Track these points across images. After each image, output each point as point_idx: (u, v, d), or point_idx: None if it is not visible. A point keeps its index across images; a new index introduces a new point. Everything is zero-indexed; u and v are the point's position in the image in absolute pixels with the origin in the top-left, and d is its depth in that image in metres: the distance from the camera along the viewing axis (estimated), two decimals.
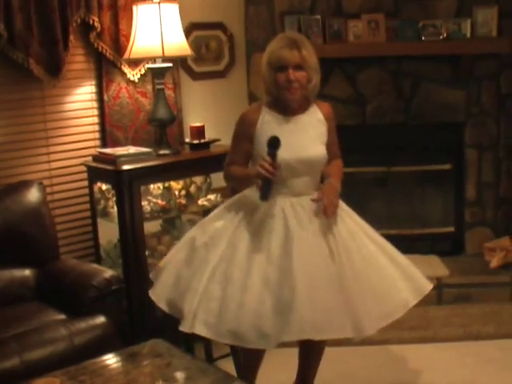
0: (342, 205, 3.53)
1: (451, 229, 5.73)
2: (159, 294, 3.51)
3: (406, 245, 5.62)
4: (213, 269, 3.29)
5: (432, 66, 5.41)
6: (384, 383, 4.15)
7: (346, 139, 5.48)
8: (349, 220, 3.51)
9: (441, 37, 5.19)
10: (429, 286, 3.52)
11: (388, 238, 5.59)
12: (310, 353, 3.66)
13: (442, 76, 5.43)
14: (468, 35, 5.25)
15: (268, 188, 3.21)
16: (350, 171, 5.53)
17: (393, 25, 5.25)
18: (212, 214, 3.61)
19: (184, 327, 3.24)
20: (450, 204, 5.72)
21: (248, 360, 3.59)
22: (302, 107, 3.47)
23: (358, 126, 5.52)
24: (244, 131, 3.44)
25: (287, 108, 3.42)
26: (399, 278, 3.43)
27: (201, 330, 3.21)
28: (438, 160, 5.62)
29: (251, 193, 3.40)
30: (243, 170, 3.45)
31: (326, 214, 3.32)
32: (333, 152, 3.63)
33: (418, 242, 5.73)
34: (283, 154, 3.25)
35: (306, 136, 3.44)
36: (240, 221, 3.40)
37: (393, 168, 5.60)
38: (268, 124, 3.38)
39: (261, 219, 3.35)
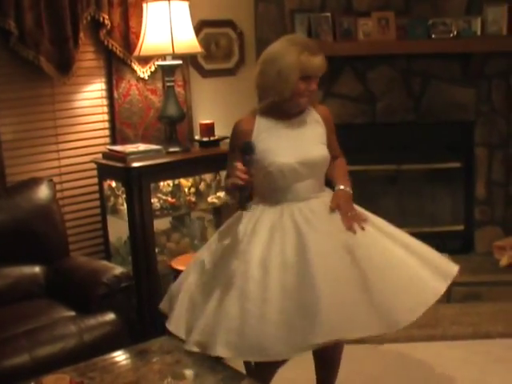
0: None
1: (461, 227, 5.72)
2: (177, 325, 3.29)
3: None
4: (225, 288, 3.16)
5: (442, 65, 5.39)
6: (393, 381, 4.15)
7: (356, 137, 5.53)
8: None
9: (451, 35, 5.18)
10: (455, 268, 3.43)
11: None
12: (325, 365, 3.59)
13: (452, 74, 5.41)
14: (478, 33, 5.24)
15: (243, 196, 3.08)
16: (360, 169, 5.57)
17: (403, 23, 5.24)
18: (217, 233, 3.50)
19: (207, 350, 3.08)
20: (459, 202, 5.71)
21: (262, 369, 3.41)
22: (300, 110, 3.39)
23: (368, 124, 5.52)
24: (238, 143, 3.28)
25: (284, 112, 3.31)
26: (422, 268, 3.33)
27: (222, 351, 3.05)
28: (447, 158, 5.60)
29: (256, 205, 3.32)
30: (226, 182, 3.31)
31: (347, 226, 3.27)
32: (334, 153, 3.53)
33: (427, 240, 5.68)
34: (286, 158, 3.22)
35: (305, 137, 3.34)
36: (247, 235, 3.26)
37: (402, 166, 5.59)
38: (266, 131, 3.28)
39: (270, 229, 3.24)
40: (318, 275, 3.07)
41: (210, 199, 4.93)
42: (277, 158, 3.23)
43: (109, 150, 4.63)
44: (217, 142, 4.87)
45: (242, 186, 3.03)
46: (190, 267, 3.47)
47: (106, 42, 4.69)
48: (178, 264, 4.25)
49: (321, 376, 3.68)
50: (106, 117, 4.88)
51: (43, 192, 4.24)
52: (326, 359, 3.47)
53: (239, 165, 3.04)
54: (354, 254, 3.19)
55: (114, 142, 4.86)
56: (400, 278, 3.23)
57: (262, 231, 3.23)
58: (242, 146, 3.11)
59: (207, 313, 3.13)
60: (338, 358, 3.60)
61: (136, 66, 4.84)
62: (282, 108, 3.28)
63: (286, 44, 3.23)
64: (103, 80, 4.84)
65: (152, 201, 4.56)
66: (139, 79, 4.91)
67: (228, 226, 3.44)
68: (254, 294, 3.08)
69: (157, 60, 4.83)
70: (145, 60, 4.85)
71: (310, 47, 3.19)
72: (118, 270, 3.98)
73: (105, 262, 4.31)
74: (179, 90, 5.02)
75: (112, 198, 4.75)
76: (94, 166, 4.70)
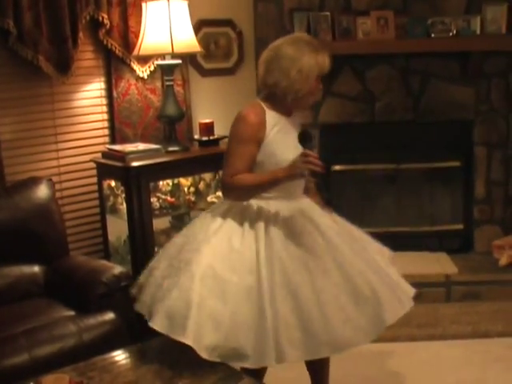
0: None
1: (460, 226, 5.72)
2: (199, 342, 2.95)
3: (414, 242, 5.69)
4: (260, 294, 3.03)
5: (441, 64, 5.39)
6: (393, 380, 4.15)
7: (355, 136, 5.53)
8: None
9: (450, 34, 5.18)
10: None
11: (397, 235, 5.66)
12: (316, 367, 3.59)
13: (451, 73, 5.41)
14: (477, 32, 5.24)
15: (321, 182, 3.12)
16: (359, 168, 5.58)
17: (402, 22, 5.24)
18: (215, 233, 3.21)
19: (265, 361, 2.98)
20: (458, 201, 5.71)
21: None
22: None
23: (367, 123, 5.52)
24: (255, 135, 3.19)
25: (285, 110, 3.31)
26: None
27: (294, 354, 2.99)
28: (446, 157, 5.60)
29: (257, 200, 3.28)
30: (265, 176, 3.17)
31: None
32: None
33: (426, 239, 5.72)
34: (290, 155, 3.19)
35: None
36: (267, 235, 3.17)
37: (402, 165, 5.59)
38: (276, 126, 3.24)
39: (289, 227, 3.21)
40: (359, 262, 3.22)
41: (209, 198, 4.92)
42: (290, 154, 3.19)
43: (108, 149, 4.63)
44: (216, 142, 4.87)
45: (320, 173, 3.01)
46: (193, 278, 3.06)
47: (105, 42, 4.69)
48: None
49: (314, 378, 3.68)
50: (105, 116, 4.88)
51: (42, 191, 4.23)
52: (315, 361, 3.46)
53: (310, 152, 3.00)
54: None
55: (113, 141, 4.86)
56: None
57: (281, 229, 3.20)
58: (301, 134, 3.10)
59: (255, 328, 2.98)
60: (326, 357, 3.58)
61: (135, 66, 4.84)
62: (289, 105, 3.29)
63: (299, 43, 3.23)
64: (102, 79, 4.84)
65: (151, 200, 4.56)
66: (138, 78, 4.91)
67: (230, 226, 3.25)
68: (307, 295, 3.06)
69: (156, 59, 4.83)
70: (144, 59, 4.85)
71: (320, 47, 3.24)
72: (118, 269, 3.97)
73: (104, 262, 4.30)
74: (178, 89, 5.01)
75: (111, 198, 4.74)
76: (93, 165, 4.70)
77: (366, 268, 3.24)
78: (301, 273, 3.10)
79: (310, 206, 3.41)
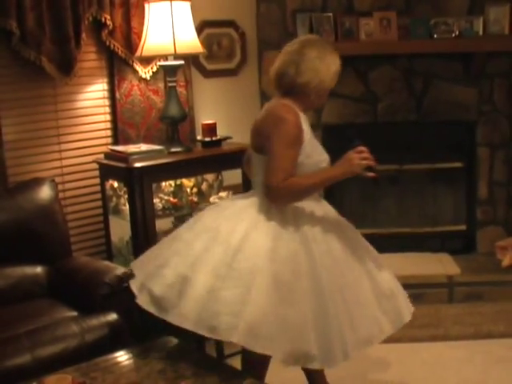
0: None
1: (463, 227, 5.73)
2: (286, 353, 3.01)
3: (417, 243, 5.69)
4: (321, 295, 3.08)
5: (444, 64, 5.39)
6: (395, 381, 4.15)
7: (358, 137, 5.51)
8: None
9: (453, 34, 5.18)
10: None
11: (399, 235, 5.66)
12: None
13: (454, 74, 5.41)
14: (480, 33, 5.24)
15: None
16: None
17: (404, 23, 5.24)
18: (265, 239, 3.15)
19: (333, 361, 3.07)
20: (461, 202, 5.71)
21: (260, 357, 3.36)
22: None
23: (370, 123, 5.52)
24: (299, 137, 3.17)
25: (305, 111, 3.34)
26: None
27: (351, 352, 3.10)
28: (449, 158, 5.60)
29: (312, 203, 3.30)
30: (320, 176, 3.19)
31: None
32: None
33: (429, 240, 5.72)
34: (326, 154, 3.33)
35: None
36: (313, 237, 3.20)
37: (404, 166, 5.59)
38: (307, 127, 3.26)
39: (329, 229, 3.28)
40: (374, 262, 3.36)
41: (212, 199, 4.92)
42: (323, 154, 3.33)
43: (111, 150, 4.63)
44: (219, 142, 4.86)
45: (375, 168, 3.18)
46: (264, 290, 3.02)
47: (107, 43, 4.69)
48: None
49: (309, 378, 3.70)
50: (108, 117, 4.88)
51: (45, 192, 4.24)
52: None
53: (364, 148, 3.16)
54: None
55: (116, 142, 4.86)
56: None
57: (321, 229, 3.25)
58: (351, 134, 3.26)
59: (320, 328, 3.04)
60: None
61: (138, 67, 4.84)
62: (307, 106, 3.34)
63: (318, 44, 3.29)
64: (105, 80, 4.84)
65: (154, 201, 4.56)
66: (141, 79, 4.91)
67: (276, 227, 3.19)
68: (351, 296, 3.17)
69: (159, 60, 4.83)
70: (147, 60, 4.85)
71: (333, 47, 3.33)
72: (120, 270, 3.97)
73: (107, 262, 4.30)
74: (181, 90, 5.01)
75: (114, 198, 4.75)
76: (96, 166, 4.70)
77: (380, 266, 3.36)
78: (344, 273, 3.19)
79: (329, 207, 3.46)
